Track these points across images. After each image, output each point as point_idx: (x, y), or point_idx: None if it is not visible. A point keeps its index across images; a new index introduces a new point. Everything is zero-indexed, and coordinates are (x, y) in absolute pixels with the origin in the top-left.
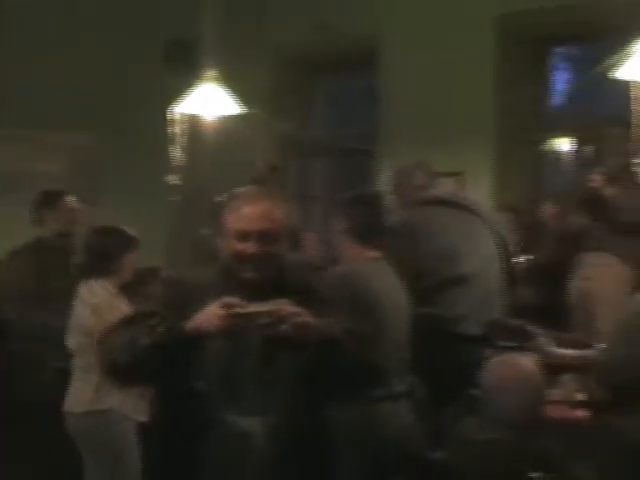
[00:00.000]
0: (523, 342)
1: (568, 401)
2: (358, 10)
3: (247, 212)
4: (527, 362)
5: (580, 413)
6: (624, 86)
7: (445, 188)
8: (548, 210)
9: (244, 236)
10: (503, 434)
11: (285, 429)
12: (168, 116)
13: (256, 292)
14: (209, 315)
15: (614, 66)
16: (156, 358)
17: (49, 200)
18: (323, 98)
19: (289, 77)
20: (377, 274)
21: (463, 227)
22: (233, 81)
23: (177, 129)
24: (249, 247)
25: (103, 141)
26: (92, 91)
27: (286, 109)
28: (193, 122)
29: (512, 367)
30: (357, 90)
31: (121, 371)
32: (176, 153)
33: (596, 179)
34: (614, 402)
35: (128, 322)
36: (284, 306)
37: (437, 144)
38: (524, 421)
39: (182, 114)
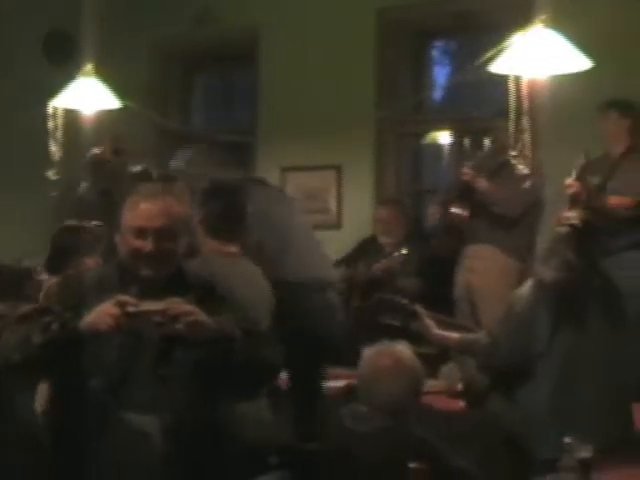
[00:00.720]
0: (408, 321)
1: (448, 391)
2: (239, 3)
3: (145, 209)
4: (403, 350)
5: (460, 403)
6: (503, 80)
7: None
8: (430, 203)
9: (142, 233)
10: (382, 423)
11: (181, 427)
12: (47, 110)
13: (153, 289)
14: (102, 314)
15: (493, 60)
16: (50, 356)
17: None
18: (203, 91)
19: (169, 70)
20: (228, 271)
21: None
22: (112, 74)
23: (55, 123)
24: (146, 244)
25: None
26: None
27: (166, 102)
28: (71, 116)
29: (388, 356)
30: (238, 83)
31: (15, 369)
32: (54, 148)
33: (468, 172)
34: (493, 388)
35: (22, 320)
36: (176, 305)
37: (317, 137)
38: (402, 410)
39: (60, 108)
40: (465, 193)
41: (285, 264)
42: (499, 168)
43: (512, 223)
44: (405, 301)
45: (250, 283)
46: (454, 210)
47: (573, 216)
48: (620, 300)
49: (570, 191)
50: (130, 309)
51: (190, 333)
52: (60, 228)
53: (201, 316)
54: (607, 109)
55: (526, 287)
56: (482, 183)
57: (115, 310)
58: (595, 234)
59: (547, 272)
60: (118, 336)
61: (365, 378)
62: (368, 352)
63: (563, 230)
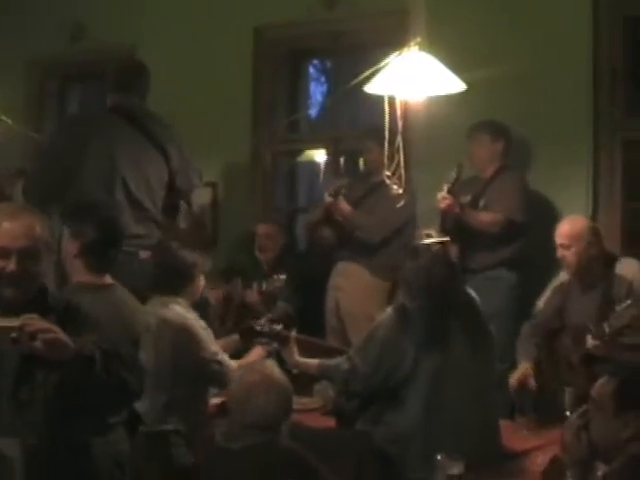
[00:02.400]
0: (278, 346)
1: (321, 409)
2: (115, 20)
3: (7, 229)
4: (272, 367)
5: (331, 420)
6: (378, 100)
7: None
8: (303, 223)
9: (3, 254)
10: (254, 440)
11: (42, 450)
12: None
13: (15, 310)
14: None
15: (368, 80)
16: None
17: None
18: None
19: (46, 86)
20: (96, 299)
21: None
22: None
23: None
24: (9, 264)
25: None
26: None
27: (42, 117)
28: None
29: (257, 372)
30: None
31: None
32: None
33: (331, 197)
34: (363, 409)
35: None
36: (33, 321)
37: (196, 153)
38: (274, 426)
39: None
40: (329, 216)
41: None
42: (371, 190)
43: (379, 246)
44: (277, 327)
45: (117, 312)
46: (323, 232)
47: (432, 240)
48: (482, 319)
49: (442, 205)
50: None
51: (48, 351)
52: None
53: (60, 334)
54: (478, 133)
55: (388, 311)
56: (345, 209)
57: None
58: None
59: (408, 296)
60: None
61: (236, 395)
62: (239, 371)
63: (426, 255)
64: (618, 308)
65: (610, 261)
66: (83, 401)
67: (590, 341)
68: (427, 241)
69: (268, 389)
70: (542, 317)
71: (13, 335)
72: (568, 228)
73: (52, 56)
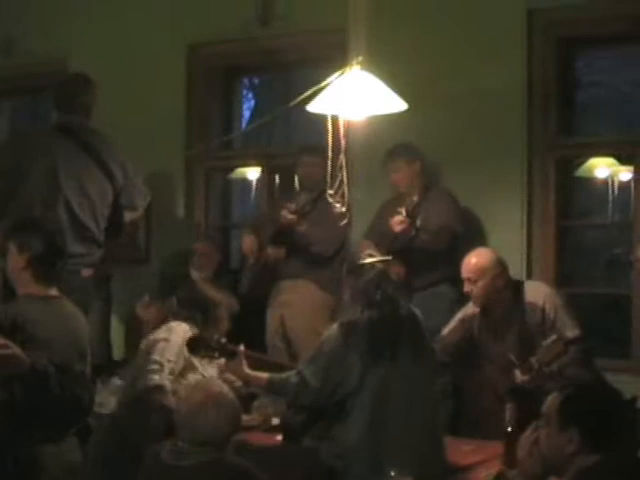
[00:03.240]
0: (225, 359)
1: (262, 425)
2: (45, 34)
3: None
4: (218, 385)
5: (275, 437)
6: (313, 117)
7: None
8: (245, 241)
9: None
10: (202, 457)
11: None
12: None
13: None
14: None
15: (306, 97)
16: None
17: None
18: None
19: None
20: (44, 313)
21: None
22: None
23: None
24: None
25: None
26: None
27: None
28: None
29: (204, 390)
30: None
31: None
32: None
33: (288, 216)
34: (309, 424)
35: None
36: None
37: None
38: (222, 442)
39: None
40: (282, 233)
41: None
42: (313, 206)
43: (327, 260)
44: (224, 340)
45: (66, 325)
46: (270, 250)
47: (374, 260)
48: (424, 334)
49: (398, 228)
50: None
51: (2, 366)
52: None
53: (15, 349)
54: (393, 158)
55: (334, 327)
56: (302, 226)
57: None
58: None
59: (353, 311)
60: None
61: (183, 413)
62: (186, 388)
63: (370, 274)
64: (544, 343)
65: (516, 289)
66: (34, 417)
67: (519, 376)
68: (371, 260)
69: (218, 406)
70: (447, 347)
71: None
72: (474, 262)
73: None
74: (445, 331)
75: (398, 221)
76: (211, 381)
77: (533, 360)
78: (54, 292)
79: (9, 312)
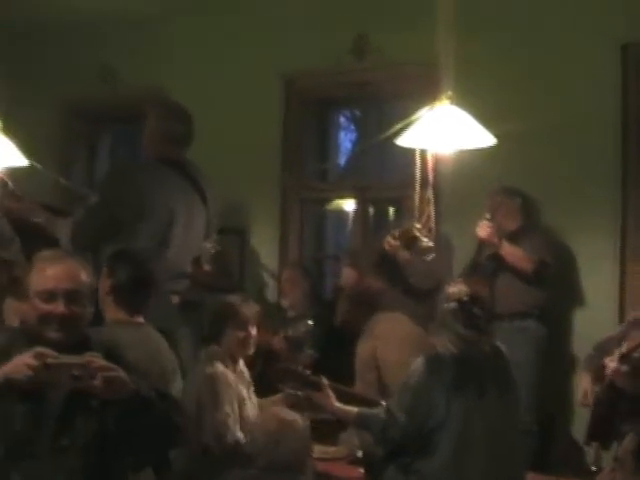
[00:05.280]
0: (309, 391)
1: (347, 457)
2: (143, 61)
3: (53, 272)
4: (294, 415)
5: (359, 470)
6: (408, 151)
7: None
8: (345, 272)
9: (51, 296)
10: None
11: None
12: None
13: (62, 353)
14: (20, 364)
15: (397, 131)
16: None
17: None
18: (109, 149)
19: (75, 128)
20: (133, 340)
21: None
22: (18, 131)
23: None
24: (57, 307)
25: None
26: None
27: (71, 160)
28: None
29: (279, 418)
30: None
31: None
32: None
33: (391, 242)
34: (392, 458)
35: None
36: (96, 359)
37: (224, 200)
38: (302, 467)
39: None
40: (383, 263)
41: None
42: (410, 239)
43: (424, 293)
44: (308, 372)
45: (152, 352)
46: (370, 280)
47: (461, 291)
48: (508, 367)
49: (482, 233)
50: (50, 360)
51: (105, 390)
52: None
53: (121, 373)
54: (496, 196)
55: (420, 360)
56: (404, 255)
57: (33, 361)
58: (482, 305)
59: (440, 345)
60: (23, 404)
61: (260, 442)
62: (261, 417)
63: (451, 305)
64: None
65: None
66: (131, 443)
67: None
68: (456, 289)
69: (294, 432)
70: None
71: (75, 372)
72: None
73: (81, 99)
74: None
75: (483, 226)
76: (285, 411)
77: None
78: (139, 319)
79: (103, 341)
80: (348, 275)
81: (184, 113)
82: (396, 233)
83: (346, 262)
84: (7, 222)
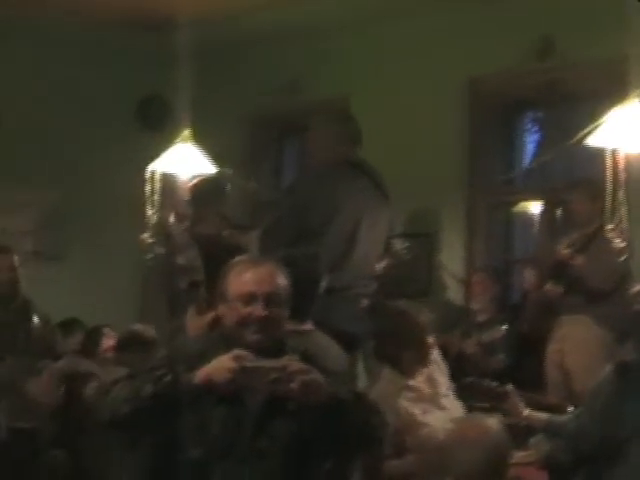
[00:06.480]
0: (496, 403)
1: (537, 462)
2: (330, 72)
3: (252, 275)
4: (491, 422)
5: (546, 475)
6: (596, 152)
7: None
8: (527, 276)
9: (250, 299)
10: None
11: None
12: (140, 174)
13: (260, 356)
14: (220, 367)
15: (588, 132)
16: (157, 409)
17: None
18: (296, 157)
19: (262, 137)
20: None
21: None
22: (206, 140)
23: (152, 187)
24: (257, 309)
25: (72, 198)
26: (63, 147)
27: (258, 168)
28: (167, 181)
29: (475, 427)
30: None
31: (121, 421)
32: (150, 211)
33: (563, 252)
34: (579, 466)
35: (135, 375)
36: (294, 362)
37: (409, 204)
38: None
39: (157, 172)
40: (560, 269)
41: None
42: (588, 240)
43: (605, 295)
44: (495, 384)
45: (334, 356)
46: (549, 286)
47: None
48: None
49: None
50: (248, 364)
51: (303, 394)
52: None
53: (319, 376)
54: None
55: (608, 369)
56: (579, 260)
57: (233, 364)
58: None
59: (627, 353)
60: (222, 407)
61: (452, 446)
62: (457, 421)
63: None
64: None
65: None
66: (323, 450)
67: None
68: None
69: (484, 444)
70: None
71: (274, 376)
72: None
73: (268, 109)
74: None
75: None
76: (483, 418)
77: None
78: (308, 326)
79: (298, 344)
80: (529, 279)
81: (347, 113)
82: (568, 241)
83: (529, 266)
84: (183, 230)
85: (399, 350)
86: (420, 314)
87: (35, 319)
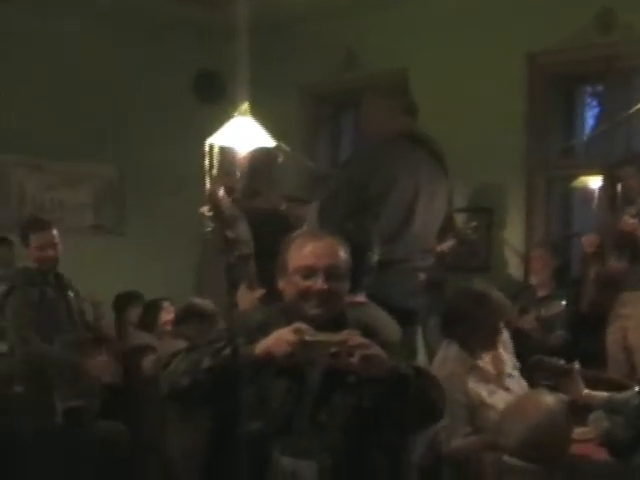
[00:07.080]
0: (560, 380)
1: (596, 438)
2: (387, 45)
3: (312, 249)
4: (549, 399)
5: (604, 452)
6: None
7: None
8: (586, 240)
9: (311, 272)
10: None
11: (338, 473)
12: (199, 148)
13: (320, 329)
14: (280, 339)
15: None
16: (217, 381)
17: (35, 226)
18: (352, 131)
19: (318, 111)
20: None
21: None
22: (264, 114)
23: (210, 160)
24: (317, 283)
25: (131, 172)
26: (120, 121)
27: (315, 143)
28: (225, 154)
29: (531, 402)
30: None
31: (181, 393)
32: (208, 185)
33: (629, 221)
34: (638, 442)
35: (194, 348)
36: (355, 336)
37: (467, 180)
38: (543, 456)
39: (215, 145)
40: (624, 241)
41: None
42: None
43: None
44: (562, 362)
45: (392, 330)
46: (612, 262)
47: None
48: None
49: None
50: (308, 337)
51: (364, 367)
52: None
53: (379, 351)
54: None
55: None
56: None
57: (293, 337)
58: None
59: None
60: (282, 380)
61: (511, 421)
62: (518, 397)
63: None
64: None
65: None
66: (384, 424)
67: None
68: None
69: (543, 421)
70: None
71: (333, 349)
72: None
73: (324, 83)
74: None
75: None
76: (544, 394)
77: None
78: (362, 298)
79: (359, 318)
80: (589, 243)
81: (399, 84)
82: (633, 211)
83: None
84: (230, 202)
85: (472, 333)
86: (499, 299)
87: (70, 293)
